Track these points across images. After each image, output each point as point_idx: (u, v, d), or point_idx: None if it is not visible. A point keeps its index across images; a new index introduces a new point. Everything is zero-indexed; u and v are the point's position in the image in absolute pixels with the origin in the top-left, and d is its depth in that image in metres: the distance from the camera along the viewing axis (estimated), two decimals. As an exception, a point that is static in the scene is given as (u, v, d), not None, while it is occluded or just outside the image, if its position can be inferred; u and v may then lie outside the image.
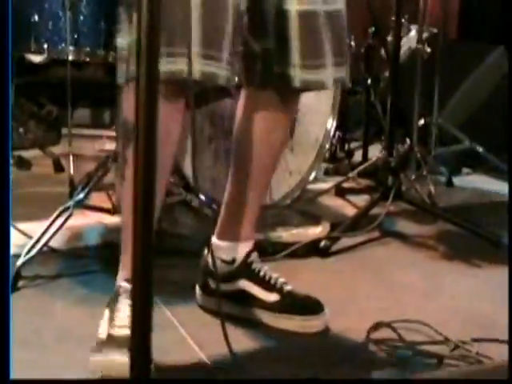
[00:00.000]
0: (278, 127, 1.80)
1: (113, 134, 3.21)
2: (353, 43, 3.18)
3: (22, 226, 2.20)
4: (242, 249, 1.84)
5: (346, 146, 3.35)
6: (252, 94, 1.79)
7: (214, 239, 1.86)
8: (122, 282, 1.66)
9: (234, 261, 1.83)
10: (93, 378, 1.51)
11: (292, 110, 1.88)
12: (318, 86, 1.73)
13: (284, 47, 1.67)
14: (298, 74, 1.67)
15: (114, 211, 2.26)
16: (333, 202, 2.81)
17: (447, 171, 3.11)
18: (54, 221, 2.06)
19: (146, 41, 0.80)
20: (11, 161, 2.88)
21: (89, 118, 3.61)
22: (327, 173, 3.11)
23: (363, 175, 2.92)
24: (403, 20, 2.92)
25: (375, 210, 2.54)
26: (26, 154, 2.95)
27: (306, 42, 1.67)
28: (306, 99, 2.54)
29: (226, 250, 1.84)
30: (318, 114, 2.60)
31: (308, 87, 1.73)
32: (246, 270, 1.83)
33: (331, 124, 2.66)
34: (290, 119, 1.87)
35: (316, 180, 2.80)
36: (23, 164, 2.83)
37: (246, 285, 1.83)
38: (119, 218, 2.32)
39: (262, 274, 1.84)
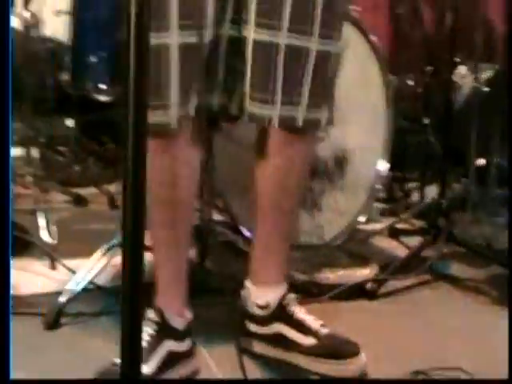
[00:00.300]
0: (288, 166, 1.74)
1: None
2: (411, 82, 3.16)
3: (72, 262, 2.25)
4: (275, 293, 1.81)
5: (404, 187, 3.30)
6: (259, 129, 1.78)
7: (248, 283, 1.85)
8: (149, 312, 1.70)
9: (267, 305, 1.81)
10: (93, 378, 1.52)
11: (297, 149, 1.75)
12: (263, 122, 1.66)
13: (242, 77, 1.64)
14: (248, 107, 1.64)
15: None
16: (385, 244, 2.76)
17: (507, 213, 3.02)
18: (99, 258, 2.09)
19: (134, 88, 0.81)
20: (68, 197, 2.96)
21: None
22: (383, 213, 3.07)
23: (419, 216, 2.86)
24: (456, 58, 2.86)
25: (428, 253, 2.49)
26: (84, 191, 3.02)
27: (256, 73, 1.62)
28: (356, 138, 2.53)
29: (258, 294, 1.82)
30: (369, 153, 2.58)
31: (254, 121, 1.67)
32: (281, 313, 1.81)
33: (383, 164, 2.63)
34: (299, 159, 1.76)
35: (370, 220, 2.77)
36: (80, 201, 2.90)
37: (281, 328, 1.81)
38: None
39: (297, 316, 1.81)
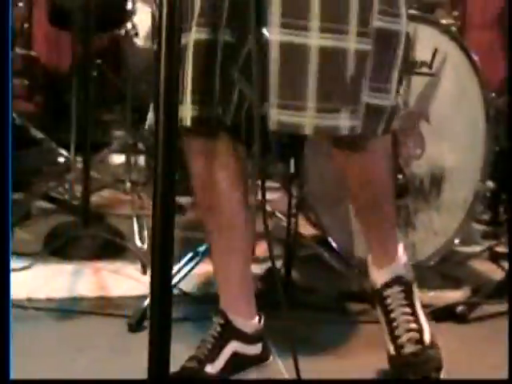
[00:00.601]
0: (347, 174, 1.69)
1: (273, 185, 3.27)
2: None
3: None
4: (376, 276, 1.77)
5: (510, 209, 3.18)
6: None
7: None
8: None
9: (372, 284, 1.79)
10: (94, 379, 1.54)
11: (355, 156, 1.64)
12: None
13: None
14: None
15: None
16: (484, 267, 2.66)
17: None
18: (185, 264, 2.12)
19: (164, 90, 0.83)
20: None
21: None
22: (485, 236, 2.97)
23: (521, 240, 2.75)
24: None
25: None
26: (184, 199, 3.07)
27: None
28: (454, 156, 2.46)
29: (369, 267, 1.80)
30: (466, 173, 2.49)
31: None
32: (379, 300, 1.76)
33: (484, 184, 2.54)
34: (360, 162, 1.66)
35: (470, 242, 2.69)
36: (178, 209, 2.95)
37: (379, 315, 1.77)
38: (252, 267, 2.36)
39: (394, 316, 1.74)
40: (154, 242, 0.88)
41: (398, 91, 1.61)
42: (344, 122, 1.49)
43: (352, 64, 1.47)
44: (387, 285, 1.75)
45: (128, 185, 2.73)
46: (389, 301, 1.75)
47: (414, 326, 1.74)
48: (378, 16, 1.50)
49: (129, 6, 2.81)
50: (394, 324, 1.74)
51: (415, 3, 2.68)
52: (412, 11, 2.46)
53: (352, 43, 1.47)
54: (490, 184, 2.90)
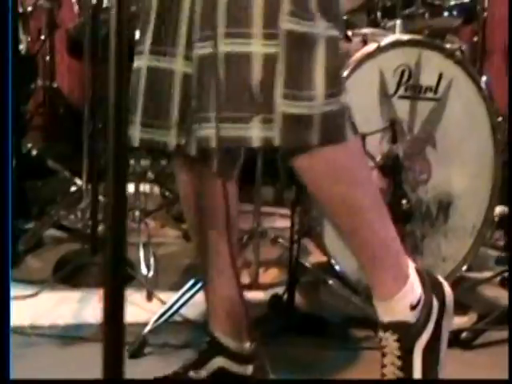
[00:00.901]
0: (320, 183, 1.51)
1: (285, 211, 3.27)
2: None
3: (166, 294, 2.30)
4: (377, 308, 1.56)
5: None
6: None
7: None
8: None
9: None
10: (93, 378, 1.54)
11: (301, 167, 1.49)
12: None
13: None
14: None
15: (251, 286, 2.30)
16: (493, 293, 2.63)
17: None
18: (186, 291, 2.13)
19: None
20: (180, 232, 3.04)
21: (271, 195, 3.69)
22: (499, 262, 2.93)
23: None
24: None
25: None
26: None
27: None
28: (462, 182, 2.45)
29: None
30: (475, 198, 2.47)
31: None
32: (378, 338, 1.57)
33: (492, 210, 2.52)
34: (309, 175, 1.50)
35: (482, 268, 2.67)
36: (184, 236, 2.97)
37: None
38: (257, 294, 2.37)
39: (384, 361, 1.54)
40: (105, 260, 0.91)
41: (331, 95, 1.44)
42: (255, 132, 1.39)
43: (259, 69, 1.39)
44: (382, 327, 1.55)
45: (136, 213, 2.76)
46: (382, 343, 1.55)
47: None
48: (288, 17, 1.39)
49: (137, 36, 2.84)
50: (384, 370, 1.56)
51: (426, 29, 2.70)
52: (417, 36, 2.47)
53: (258, 46, 1.39)
54: (505, 209, 2.88)
